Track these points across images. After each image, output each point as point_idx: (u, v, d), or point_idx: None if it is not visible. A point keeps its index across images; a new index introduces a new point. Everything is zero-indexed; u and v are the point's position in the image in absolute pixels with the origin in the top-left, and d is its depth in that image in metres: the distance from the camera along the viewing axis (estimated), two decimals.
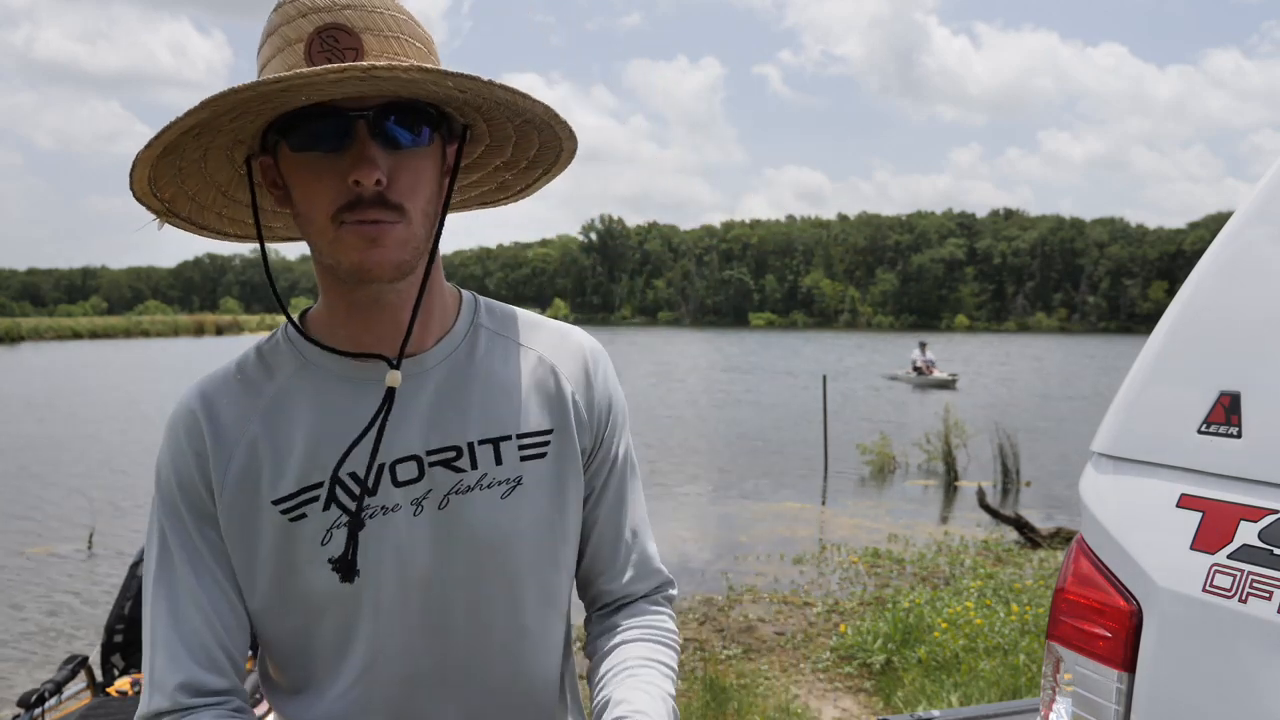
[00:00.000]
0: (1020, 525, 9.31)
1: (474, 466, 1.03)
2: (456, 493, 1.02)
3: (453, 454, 1.03)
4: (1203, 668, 1.40)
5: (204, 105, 0.84)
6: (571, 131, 1.01)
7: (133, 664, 3.30)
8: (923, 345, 31.81)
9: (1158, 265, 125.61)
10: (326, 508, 1.00)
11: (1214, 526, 1.41)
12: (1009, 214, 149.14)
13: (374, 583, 1.01)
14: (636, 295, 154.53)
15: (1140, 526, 1.55)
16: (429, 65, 0.89)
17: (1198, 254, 1.73)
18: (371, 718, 1.05)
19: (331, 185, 0.92)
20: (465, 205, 1.17)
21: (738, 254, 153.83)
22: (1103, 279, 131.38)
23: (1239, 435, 1.42)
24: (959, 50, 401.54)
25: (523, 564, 1.06)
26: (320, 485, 1.00)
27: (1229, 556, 1.37)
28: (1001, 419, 14.49)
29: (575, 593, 1.20)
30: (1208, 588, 1.39)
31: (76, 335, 75.09)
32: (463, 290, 1.13)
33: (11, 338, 66.32)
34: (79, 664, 3.23)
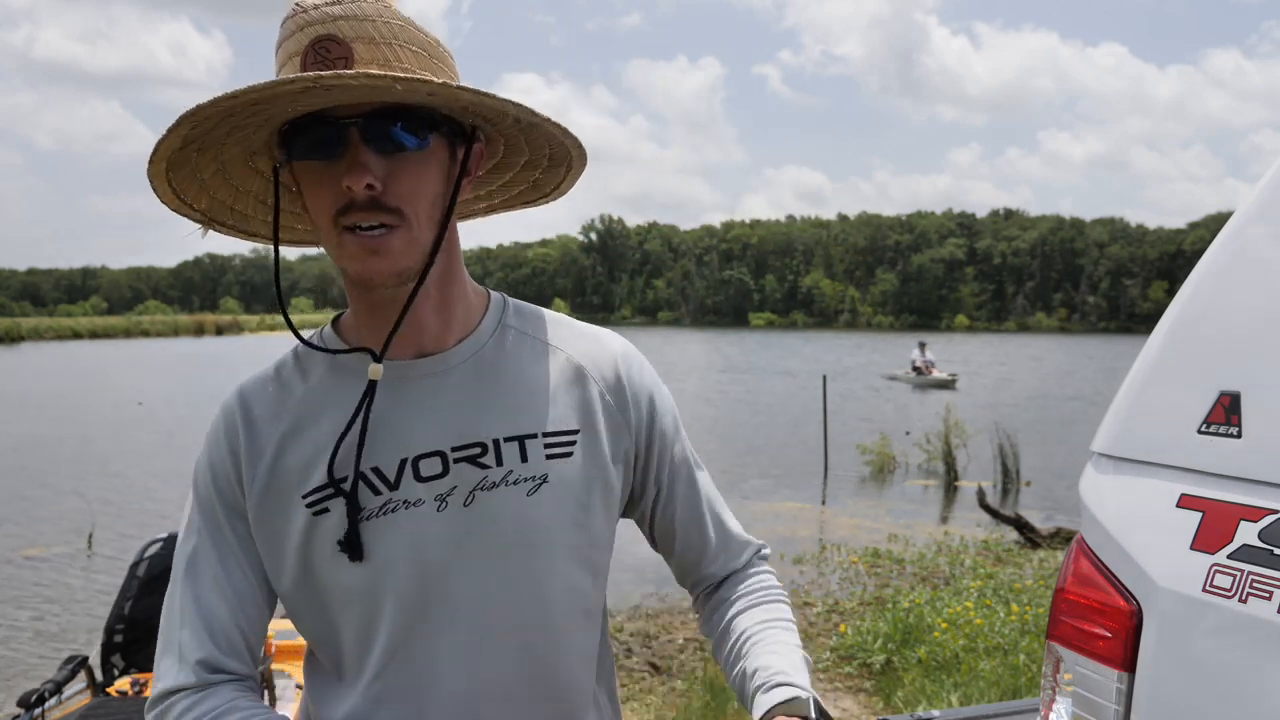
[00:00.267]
0: (1020, 525, 9.31)
1: (499, 463, 1.04)
2: (482, 489, 1.03)
3: (478, 450, 1.04)
4: (1203, 668, 1.40)
5: (180, 121, 0.89)
6: (564, 128, 1.03)
7: (133, 664, 3.30)
8: (922, 345, 31.82)
9: (1158, 265, 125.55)
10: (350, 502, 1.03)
11: (1214, 526, 1.41)
12: (1009, 214, 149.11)
13: (395, 576, 1.02)
14: (636, 295, 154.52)
15: (1140, 526, 1.55)
16: (376, 71, 0.90)
17: (1198, 254, 1.73)
18: (395, 712, 1.05)
19: (330, 191, 0.95)
20: (508, 205, 1.20)
21: (738, 254, 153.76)
22: (1103, 279, 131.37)
23: (1239, 435, 1.42)
24: (959, 50, 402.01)
25: (549, 562, 1.06)
26: (344, 480, 1.02)
27: (1229, 556, 1.37)
28: (1001, 419, 14.50)
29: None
30: (1208, 588, 1.39)
31: (76, 335, 75.17)
32: (492, 291, 1.15)
33: (11, 338, 66.39)
34: (79, 664, 3.23)
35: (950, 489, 12.67)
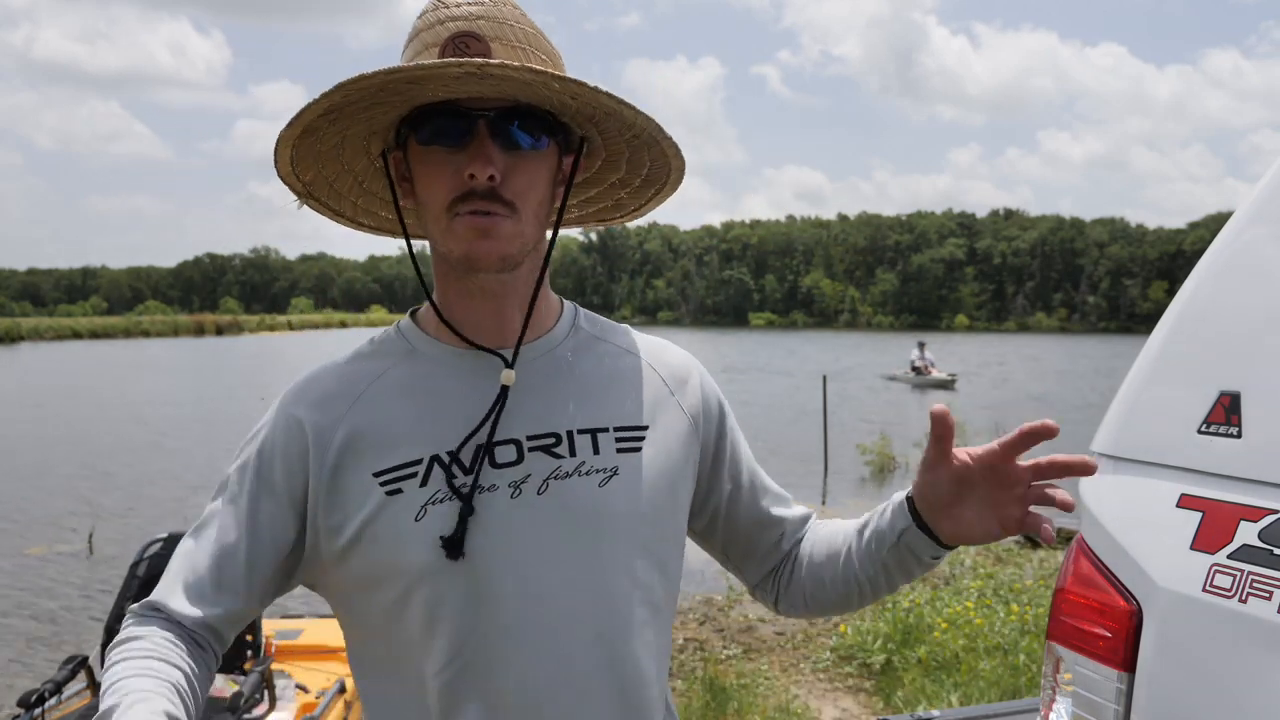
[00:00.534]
0: None
1: (572, 454, 1.07)
2: (555, 478, 1.05)
3: (552, 440, 1.07)
4: (1203, 668, 1.40)
5: (338, 88, 0.93)
6: (678, 149, 1.08)
7: None
8: (921, 345, 31.79)
9: (1158, 265, 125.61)
10: (424, 484, 1.03)
11: (1214, 526, 1.41)
12: (1009, 214, 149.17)
13: (466, 560, 1.02)
14: (636, 295, 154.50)
15: (1140, 526, 1.55)
16: (536, 66, 0.94)
17: (1198, 254, 1.73)
18: (462, 697, 1.03)
19: (450, 178, 1.00)
20: (584, 220, 1.26)
21: (738, 254, 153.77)
22: (1103, 279, 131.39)
23: (1239, 435, 1.42)
24: (958, 50, 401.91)
25: (619, 552, 1.07)
26: (419, 462, 1.04)
27: (1229, 556, 1.37)
28: (1001, 419, 14.50)
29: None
30: (1208, 588, 1.39)
31: (76, 335, 75.05)
32: (564, 300, 1.20)
33: (11, 338, 66.29)
34: (79, 664, 3.23)
35: None
